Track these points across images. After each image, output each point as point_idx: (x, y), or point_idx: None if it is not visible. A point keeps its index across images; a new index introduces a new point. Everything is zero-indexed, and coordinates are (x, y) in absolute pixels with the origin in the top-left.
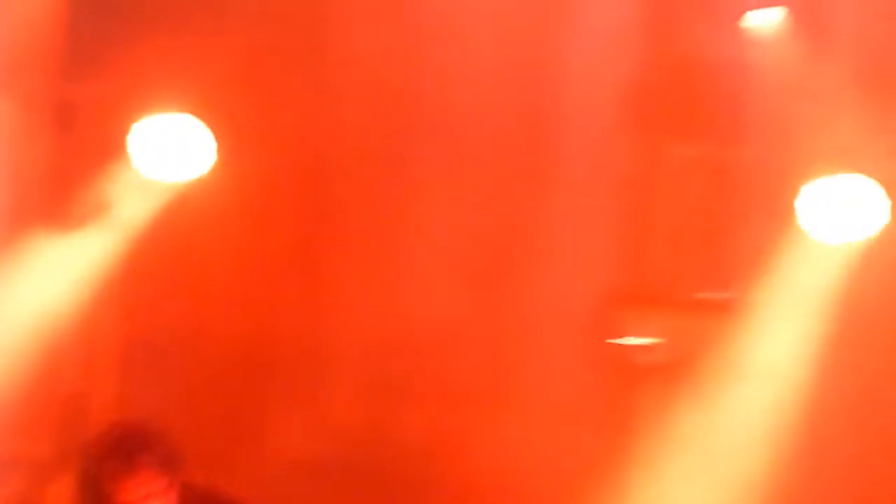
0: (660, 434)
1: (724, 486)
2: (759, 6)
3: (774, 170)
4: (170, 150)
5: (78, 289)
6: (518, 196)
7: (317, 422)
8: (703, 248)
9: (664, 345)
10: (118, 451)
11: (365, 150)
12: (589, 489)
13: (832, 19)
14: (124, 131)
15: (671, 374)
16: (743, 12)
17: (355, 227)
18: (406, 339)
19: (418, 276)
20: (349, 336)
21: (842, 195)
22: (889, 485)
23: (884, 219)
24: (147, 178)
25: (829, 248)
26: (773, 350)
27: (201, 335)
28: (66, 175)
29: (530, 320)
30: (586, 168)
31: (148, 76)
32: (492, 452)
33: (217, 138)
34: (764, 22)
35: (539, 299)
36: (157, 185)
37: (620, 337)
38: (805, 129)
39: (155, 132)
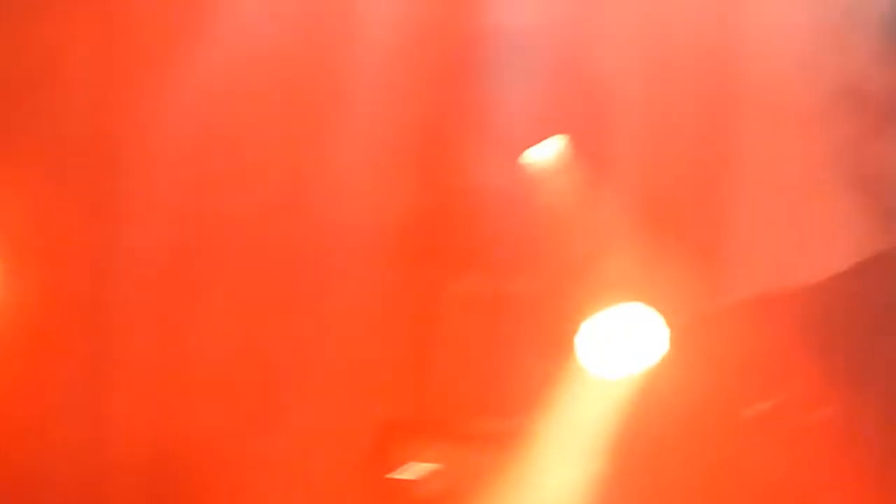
0: None
1: None
2: (537, 139)
3: (553, 302)
4: None
5: None
6: (296, 325)
7: None
8: (481, 379)
9: (443, 475)
10: None
11: (147, 273)
12: None
13: (611, 151)
14: None
15: None
16: (521, 144)
17: (135, 348)
18: (183, 458)
19: (195, 398)
20: (128, 454)
21: (620, 326)
22: None
23: (663, 349)
24: None
25: (609, 379)
26: (555, 481)
27: None
28: None
29: (307, 450)
30: (363, 298)
31: None
32: None
33: None
34: (542, 154)
35: (315, 429)
36: None
37: (399, 468)
38: (584, 262)
39: None
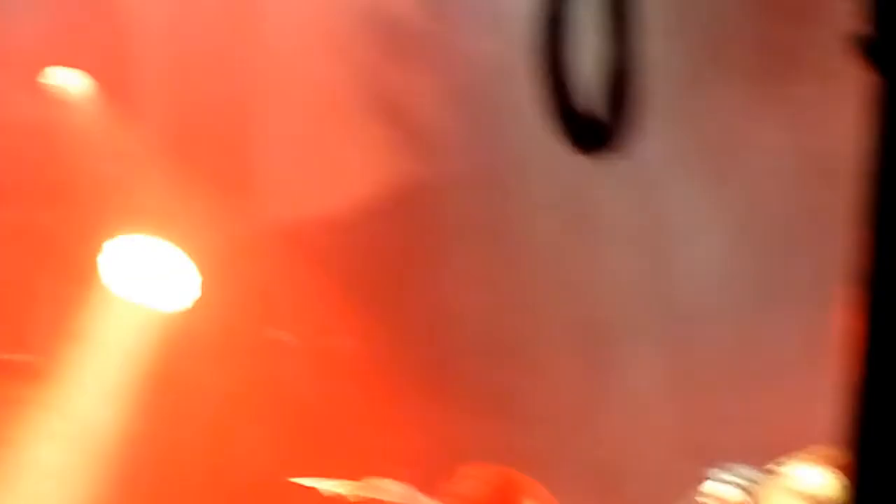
0: None
1: None
2: (59, 63)
3: (78, 231)
4: None
5: None
6: None
7: None
8: (9, 311)
9: None
10: None
11: None
12: None
13: (135, 83)
14: None
15: None
16: (43, 69)
17: None
18: None
19: None
20: None
21: (150, 260)
22: None
23: (193, 282)
24: None
25: (141, 310)
26: (83, 410)
27: None
28: None
29: None
30: None
31: None
32: None
33: None
34: (67, 81)
35: None
36: None
37: None
38: (111, 191)
39: None
